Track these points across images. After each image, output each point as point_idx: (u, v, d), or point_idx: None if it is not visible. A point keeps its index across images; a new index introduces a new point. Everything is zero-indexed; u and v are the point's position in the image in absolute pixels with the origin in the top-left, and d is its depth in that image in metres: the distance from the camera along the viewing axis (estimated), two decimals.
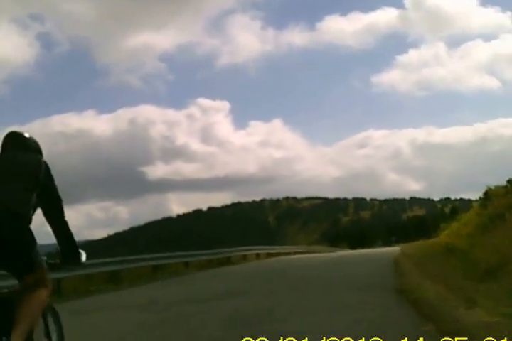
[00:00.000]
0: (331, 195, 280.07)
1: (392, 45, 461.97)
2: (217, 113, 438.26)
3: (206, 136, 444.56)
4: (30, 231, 3.77)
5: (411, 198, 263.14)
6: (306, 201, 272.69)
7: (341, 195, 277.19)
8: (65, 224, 4.11)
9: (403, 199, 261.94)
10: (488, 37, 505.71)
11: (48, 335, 4.04)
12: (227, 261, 24.81)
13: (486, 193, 23.72)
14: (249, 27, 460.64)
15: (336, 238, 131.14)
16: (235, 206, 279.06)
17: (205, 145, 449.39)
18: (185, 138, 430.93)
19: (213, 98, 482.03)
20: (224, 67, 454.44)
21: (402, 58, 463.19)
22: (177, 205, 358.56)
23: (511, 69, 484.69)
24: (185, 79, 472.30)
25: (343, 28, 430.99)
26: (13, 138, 4.11)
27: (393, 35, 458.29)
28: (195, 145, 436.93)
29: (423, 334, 5.25)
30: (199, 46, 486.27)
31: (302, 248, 47.09)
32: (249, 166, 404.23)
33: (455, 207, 38.27)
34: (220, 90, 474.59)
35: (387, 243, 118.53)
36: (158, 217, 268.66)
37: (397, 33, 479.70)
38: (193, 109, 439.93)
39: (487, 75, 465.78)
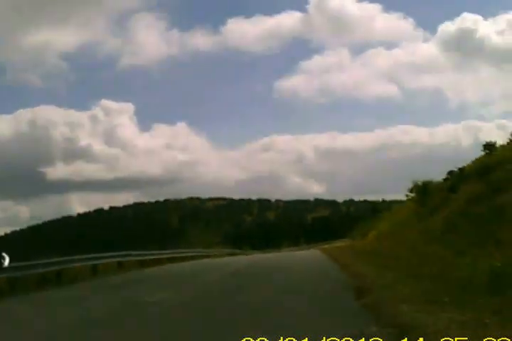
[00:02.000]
0: (236, 196, 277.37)
1: (296, 50, 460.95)
2: (121, 115, 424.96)
3: (110, 137, 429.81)
4: None
5: (315, 199, 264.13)
6: (210, 201, 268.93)
7: (245, 197, 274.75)
8: None
9: (308, 200, 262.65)
10: (390, 45, 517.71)
11: None
12: (55, 280, 17.19)
13: (424, 188, 20.82)
14: (153, 27, 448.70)
15: (240, 239, 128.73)
16: (137, 206, 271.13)
17: (109, 146, 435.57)
18: (88, 139, 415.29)
19: (117, 100, 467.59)
20: (127, 68, 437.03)
21: (305, 64, 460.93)
22: (79, 205, 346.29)
23: (410, 77, 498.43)
24: (87, 79, 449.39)
25: (246, 32, 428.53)
26: None
27: (297, 40, 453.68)
28: (98, 147, 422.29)
29: None
30: (101, 45, 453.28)
31: (199, 251, 41.96)
32: (153, 168, 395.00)
33: (376, 206, 35.58)
34: (123, 92, 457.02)
35: (294, 243, 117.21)
36: (59, 216, 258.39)
37: (300, 38, 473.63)
38: (96, 111, 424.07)
39: (387, 83, 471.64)
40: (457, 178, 18.18)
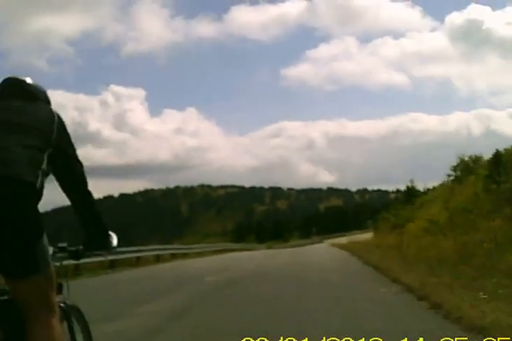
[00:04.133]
0: (247, 184, 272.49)
1: (302, 39, 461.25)
2: (131, 100, 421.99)
3: (119, 122, 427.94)
4: (37, 211, 2.45)
5: (328, 188, 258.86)
6: (221, 189, 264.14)
7: (257, 184, 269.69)
8: (89, 196, 2.87)
9: (320, 189, 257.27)
10: (398, 34, 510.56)
11: (74, 339, 2.84)
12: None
13: (496, 159, 14.81)
14: (158, 15, 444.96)
15: (250, 228, 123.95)
16: (148, 193, 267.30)
17: (118, 131, 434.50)
18: (98, 124, 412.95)
19: (125, 85, 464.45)
20: (133, 54, 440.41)
21: (312, 52, 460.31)
22: None
23: (419, 66, 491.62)
24: (95, 64, 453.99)
25: (251, 20, 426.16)
26: (16, 84, 2.83)
27: (302, 28, 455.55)
28: (108, 132, 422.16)
29: None
30: (106, 31, 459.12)
31: (177, 248, 32.30)
32: (163, 154, 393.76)
33: (411, 190, 30.18)
34: (131, 77, 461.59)
35: (306, 235, 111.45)
36: (68, 202, 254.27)
37: (306, 26, 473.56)
38: (106, 95, 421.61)
39: (396, 72, 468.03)
40: None
